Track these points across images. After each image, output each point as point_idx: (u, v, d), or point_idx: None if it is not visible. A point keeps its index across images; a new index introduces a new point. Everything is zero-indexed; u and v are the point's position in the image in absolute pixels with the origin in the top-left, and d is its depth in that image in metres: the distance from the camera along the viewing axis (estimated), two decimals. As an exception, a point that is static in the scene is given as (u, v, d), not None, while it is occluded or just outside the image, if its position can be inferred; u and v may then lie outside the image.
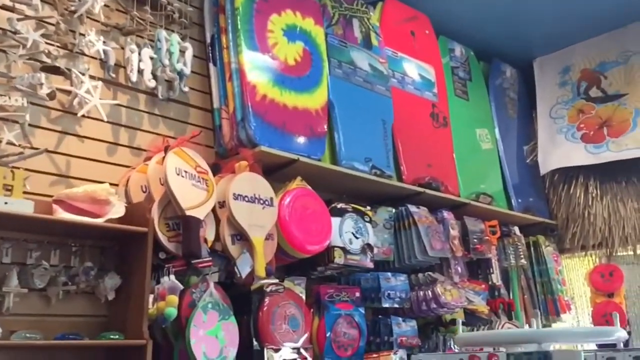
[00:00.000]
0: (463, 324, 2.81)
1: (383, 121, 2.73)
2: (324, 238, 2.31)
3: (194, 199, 1.95)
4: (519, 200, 3.45)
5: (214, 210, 2.06)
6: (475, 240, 2.98)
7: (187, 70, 2.22)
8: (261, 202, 2.14)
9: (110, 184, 2.02)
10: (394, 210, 2.75)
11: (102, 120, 2.03)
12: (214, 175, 2.20)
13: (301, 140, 2.36)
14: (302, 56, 2.46)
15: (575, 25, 3.43)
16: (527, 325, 3.32)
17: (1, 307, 1.69)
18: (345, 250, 2.39)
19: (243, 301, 2.18)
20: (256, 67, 2.29)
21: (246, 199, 2.10)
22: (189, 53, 2.24)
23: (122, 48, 2.14)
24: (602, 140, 3.37)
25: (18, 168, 1.70)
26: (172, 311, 1.81)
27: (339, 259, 2.37)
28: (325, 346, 2.30)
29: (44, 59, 1.91)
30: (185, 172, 1.97)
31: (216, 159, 2.34)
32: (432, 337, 2.75)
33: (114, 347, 1.81)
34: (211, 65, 2.38)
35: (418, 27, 3.16)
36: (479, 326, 2.89)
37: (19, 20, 1.85)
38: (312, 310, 2.36)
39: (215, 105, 2.34)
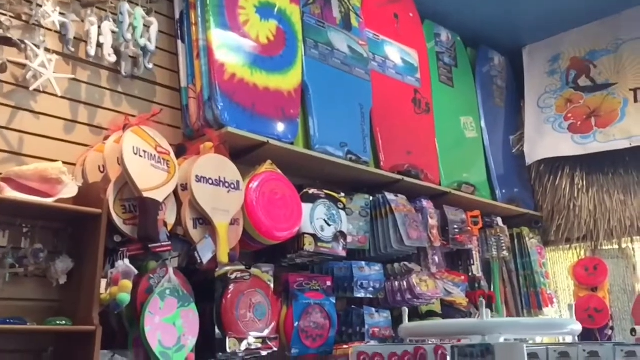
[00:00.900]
0: (439, 315, 2.75)
1: (361, 105, 2.64)
2: (293, 224, 2.22)
3: (152, 180, 1.86)
4: (503, 191, 3.37)
5: (175, 193, 1.98)
6: (455, 231, 2.90)
7: (152, 46, 2.12)
8: (226, 185, 2.05)
9: (67, 164, 1.93)
10: (370, 198, 2.67)
11: (59, 96, 1.93)
12: (179, 156, 2.12)
13: (271, 122, 2.26)
14: (275, 35, 2.36)
15: (567, 11, 3.33)
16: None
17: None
18: (316, 238, 2.31)
19: (207, 288, 2.10)
20: (225, 45, 2.19)
21: (210, 181, 2.01)
22: (154, 28, 2.14)
23: (83, 21, 2.04)
24: (590, 130, 3.29)
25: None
26: (125, 297, 1.72)
27: (309, 246, 2.28)
28: (293, 336, 2.22)
29: (-5, 29, 1.81)
30: (144, 151, 1.88)
31: (183, 140, 2.25)
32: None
33: (63, 333, 1.73)
34: (179, 42, 2.28)
35: (402, 10, 3.06)
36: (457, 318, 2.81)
37: (-33, -13, 1.75)
38: (280, 299, 2.28)
39: (183, 84, 2.25)
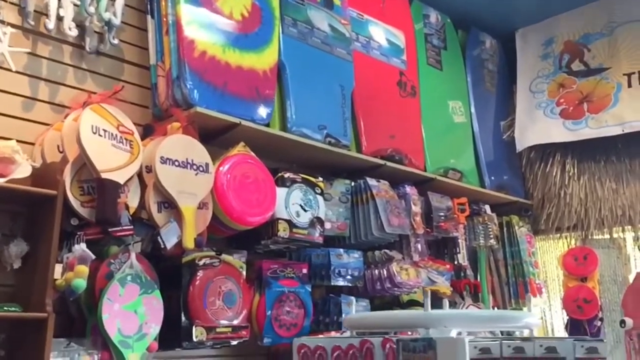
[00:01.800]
0: (420, 305, 2.66)
1: (341, 87, 2.54)
2: (266, 209, 2.13)
3: (113, 160, 1.77)
4: (492, 178, 3.27)
5: (140, 175, 1.89)
6: (439, 218, 2.81)
7: (117, 21, 2.02)
8: (194, 167, 1.96)
9: (26, 143, 1.85)
10: (352, 184, 2.58)
11: (15, 72, 1.84)
12: (146, 137, 2.03)
13: (245, 102, 2.17)
14: (250, 11, 2.26)
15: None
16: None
17: None
18: (291, 224, 2.22)
19: (174, 275, 2.01)
20: (195, 20, 2.09)
21: (176, 163, 1.92)
22: (120, 2, 2.04)
23: (43, -7, 1.94)
24: (582, 116, 3.18)
25: None
26: (80, 283, 1.64)
27: (283, 232, 2.19)
28: (265, 325, 2.14)
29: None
30: (105, 130, 1.78)
31: (153, 121, 2.15)
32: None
33: (15, 319, 1.64)
34: (149, 17, 2.17)
35: (388, -11, 2.95)
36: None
37: None
38: (252, 286, 2.20)
39: (152, 61, 2.15)
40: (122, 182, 1.77)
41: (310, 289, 2.29)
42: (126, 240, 1.84)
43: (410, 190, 2.72)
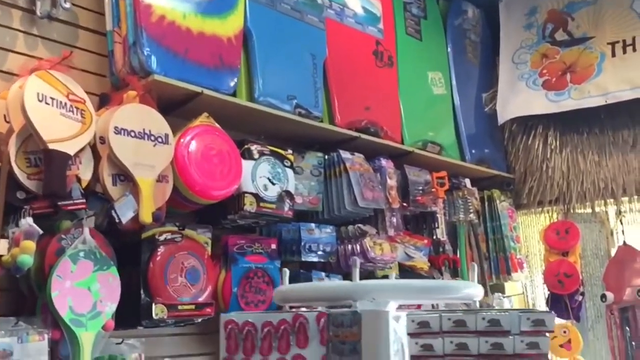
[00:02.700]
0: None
1: (313, 56, 2.44)
2: (231, 182, 2.04)
3: (61, 130, 1.67)
4: (473, 152, 3.20)
5: (94, 146, 1.79)
6: (416, 192, 2.74)
7: (69, -17, 1.91)
8: (152, 138, 1.87)
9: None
10: (325, 157, 2.50)
11: (-43, 37, 1.73)
12: (102, 107, 1.93)
13: (207, 70, 2.06)
14: (213, -25, 2.14)
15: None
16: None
17: None
18: (258, 197, 2.14)
19: (134, 251, 1.94)
20: (153, -17, 1.97)
21: (132, 134, 1.82)
22: (70, -38, 1.92)
23: (-13, -47, 1.83)
24: (565, 87, 3.10)
25: None
26: (26, 259, 1.55)
27: (249, 206, 2.11)
28: (231, 302, 2.07)
29: None
30: (52, 99, 1.68)
31: (111, 90, 2.05)
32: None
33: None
34: (105, -19, 2.06)
35: (364, -45, 2.83)
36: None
37: None
38: (218, 262, 2.13)
39: (108, 27, 2.03)
40: (72, 154, 1.68)
41: (279, 265, 2.22)
42: (79, 215, 1.75)
43: (386, 163, 2.64)
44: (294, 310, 1.11)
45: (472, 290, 1.15)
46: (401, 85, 2.87)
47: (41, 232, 1.60)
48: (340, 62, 2.57)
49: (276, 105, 2.24)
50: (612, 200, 3.08)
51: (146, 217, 1.80)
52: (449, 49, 3.26)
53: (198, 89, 2.01)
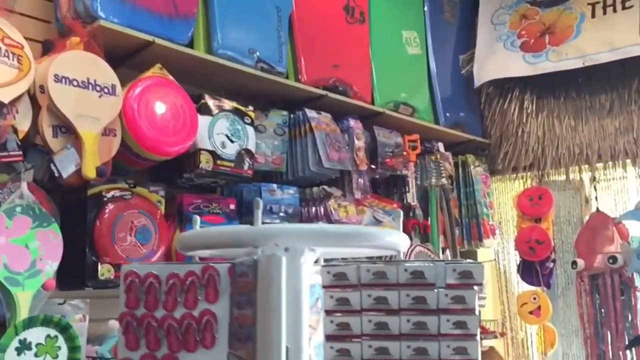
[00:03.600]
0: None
1: (278, 8, 2.32)
2: (185, 139, 1.94)
3: (-5, 77, 1.56)
4: (447, 115, 3.11)
5: (33, 95, 1.68)
6: (385, 154, 2.65)
7: None
8: (97, 88, 1.75)
9: None
10: (290, 115, 2.40)
11: None
12: (45, 54, 1.81)
13: (160, 19, 1.94)
14: None
15: None
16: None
17: None
18: (215, 155, 2.04)
19: (81, 208, 1.84)
20: None
21: (75, 83, 1.70)
22: None
23: None
24: (542, 49, 3.00)
25: None
26: (-47, 213, 1.45)
27: (205, 164, 2.02)
28: (185, 262, 1.98)
29: None
30: (-16, 42, 1.56)
31: (57, 37, 1.92)
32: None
33: None
34: None
35: None
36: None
37: None
38: (173, 223, 2.04)
39: (53, -30, 1.90)
40: (6, 102, 1.57)
41: (238, 226, 2.14)
42: (17, 168, 1.65)
43: (354, 123, 2.54)
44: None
45: (395, 237, 1.03)
46: (373, 43, 2.76)
47: (-29, 185, 1.50)
48: (308, 15, 2.45)
49: (236, 58, 2.13)
50: (586, 166, 3.01)
51: (89, 172, 1.70)
52: (425, 8, 3.13)
53: (149, 38, 1.89)
